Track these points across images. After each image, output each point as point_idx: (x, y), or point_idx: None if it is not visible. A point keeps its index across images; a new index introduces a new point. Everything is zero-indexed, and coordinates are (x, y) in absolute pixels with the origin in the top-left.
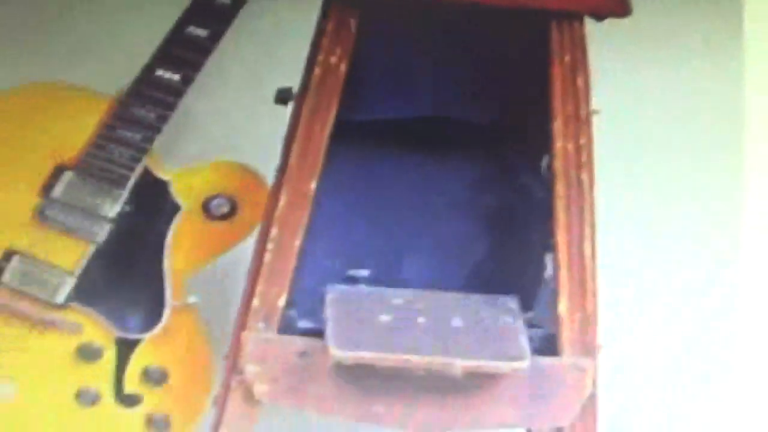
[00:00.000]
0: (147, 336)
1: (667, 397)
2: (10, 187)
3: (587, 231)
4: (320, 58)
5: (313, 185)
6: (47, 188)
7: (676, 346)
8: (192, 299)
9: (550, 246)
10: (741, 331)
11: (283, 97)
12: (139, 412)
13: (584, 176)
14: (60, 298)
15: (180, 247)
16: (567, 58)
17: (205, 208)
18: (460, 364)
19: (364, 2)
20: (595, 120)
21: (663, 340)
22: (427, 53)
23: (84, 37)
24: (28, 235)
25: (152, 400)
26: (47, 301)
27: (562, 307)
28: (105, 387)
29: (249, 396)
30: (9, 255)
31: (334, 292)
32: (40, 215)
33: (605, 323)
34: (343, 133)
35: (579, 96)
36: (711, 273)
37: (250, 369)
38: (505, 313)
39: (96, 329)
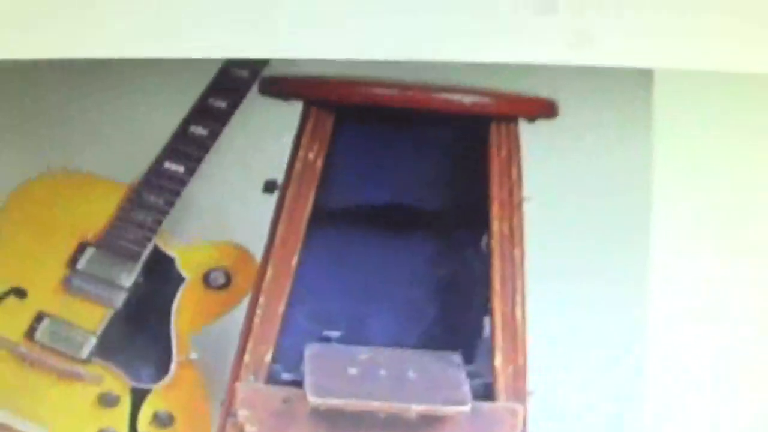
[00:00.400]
0: (157, 386)
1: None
2: (41, 260)
3: (518, 298)
4: (300, 154)
5: (294, 261)
6: (73, 261)
7: (591, 395)
8: (194, 355)
9: (488, 310)
10: (650, 382)
11: (269, 186)
12: None
13: (516, 252)
14: (84, 353)
15: (184, 311)
16: (504, 153)
17: (205, 279)
18: (414, 409)
19: (339, 107)
20: (526, 205)
21: (580, 389)
22: (390, 150)
23: (103, 130)
24: (56, 300)
25: None
26: (73, 356)
27: (497, 360)
28: (122, 429)
29: None
30: (41, 317)
31: (311, 349)
32: (67, 284)
33: (533, 374)
34: (321, 217)
35: (513, 185)
36: (619, 330)
37: (242, 413)
38: (451, 366)
39: (114, 380)
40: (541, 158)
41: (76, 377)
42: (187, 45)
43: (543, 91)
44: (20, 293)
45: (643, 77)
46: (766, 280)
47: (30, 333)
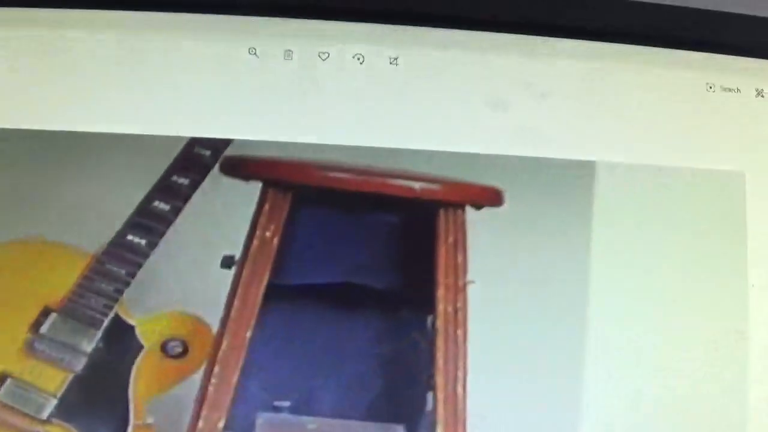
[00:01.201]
0: None
1: None
2: (5, 323)
3: (460, 375)
4: (257, 232)
5: (248, 334)
6: (36, 325)
7: None
8: (150, 420)
9: (431, 386)
10: None
11: (227, 262)
12: None
13: (459, 332)
14: (44, 414)
15: (142, 378)
16: (450, 239)
17: (163, 348)
18: None
19: (295, 189)
20: (470, 288)
21: None
22: (343, 231)
23: (69, 201)
24: (19, 362)
25: None
26: (33, 417)
27: None
28: None
29: None
30: (3, 378)
31: (262, 418)
32: (30, 347)
33: None
34: (275, 293)
35: (458, 269)
36: (553, 413)
37: None
38: None
39: None
40: (486, 244)
41: None
42: (154, 122)
43: (490, 180)
44: None
45: (586, 169)
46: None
47: None
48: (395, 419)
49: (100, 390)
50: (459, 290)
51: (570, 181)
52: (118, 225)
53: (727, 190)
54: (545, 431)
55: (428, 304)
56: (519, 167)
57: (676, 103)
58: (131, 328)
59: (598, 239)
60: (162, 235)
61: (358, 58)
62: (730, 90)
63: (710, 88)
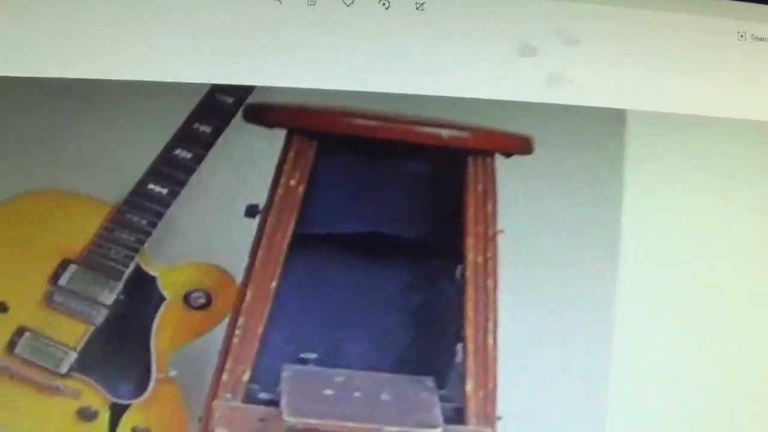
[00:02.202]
0: (136, 402)
1: None
2: (23, 276)
3: (490, 326)
4: (282, 180)
5: (274, 284)
6: (55, 277)
7: (557, 420)
8: (173, 372)
9: (460, 338)
10: (611, 410)
11: (251, 211)
12: None
13: (489, 283)
14: (63, 368)
15: (164, 330)
16: (479, 187)
17: (186, 299)
18: (387, 430)
19: (321, 136)
20: (500, 237)
21: (547, 415)
22: (369, 180)
23: (89, 151)
24: (37, 315)
25: None
26: (52, 371)
27: (469, 386)
28: None
29: None
30: (21, 331)
31: (288, 371)
32: (49, 300)
33: (502, 400)
34: (300, 243)
35: (488, 218)
36: (587, 364)
37: (219, 430)
38: (423, 390)
39: (93, 395)
40: (516, 192)
41: (55, 391)
42: (174, 69)
43: (519, 128)
44: (1, 307)
45: (616, 117)
46: (728, 320)
47: (10, 347)
48: (424, 371)
49: (122, 343)
50: (488, 239)
51: (600, 129)
52: (138, 174)
53: (757, 140)
54: (577, 378)
55: (457, 254)
56: (548, 115)
57: (707, 51)
58: (153, 279)
59: (630, 187)
60: (184, 183)
61: (384, 4)
62: (761, 39)
63: (741, 36)
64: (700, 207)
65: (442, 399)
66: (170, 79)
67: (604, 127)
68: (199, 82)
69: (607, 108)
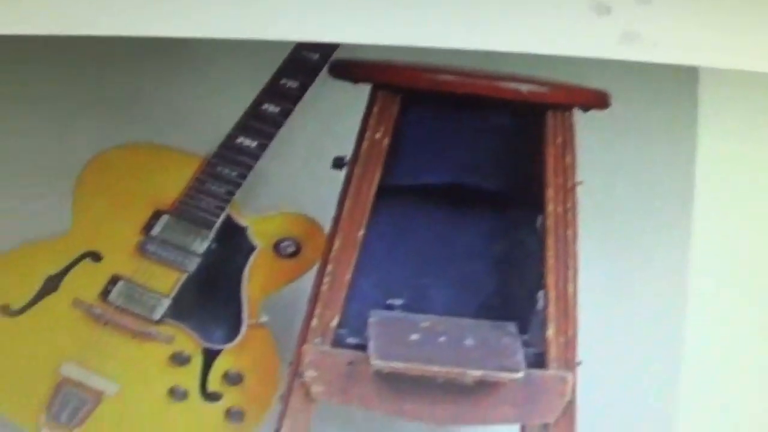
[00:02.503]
0: (228, 347)
1: (636, 398)
2: (117, 226)
3: (570, 274)
4: (368, 134)
5: (360, 233)
6: (148, 227)
7: (636, 364)
8: (264, 319)
9: (541, 285)
10: (687, 354)
11: (338, 163)
12: (219, 407)
13: (569, 232)
14: (157, 315)
15: (255, 278)
16: (559, 140)
17: (276, 248)
18: (470, 374)
19: (405, 91)
20: (579, 188)
21: (628, 358)
22: (452, 133)
23: (181, 106)
24: (131, 264)
25: (231, 397)
26: (146, 318)
27: (550, 331)
28: (192, 386)
29: (307, 394)
30: (115, 280)
31: (375, 316)
32: (142, 249)
33: (583, 345)
34: (386, 193)
35: (567, 170)
36: (662, 311)
37: (309, 374)
38: (506, 336)
39: (186, 340)
40: (593, 146)
41: (148, 337)
42: (262, 27)
43: (596, 84)
44: (95, 257)
45: (690, 74)
46: None
47: (104, 295)
48: (507, 317)
49: (214, 290)
50: (568, 191)
51: (674, 85)
52: (227, 128)
53: None
54: (653, 324)
55: (537, 205)
56: (624, 71)
57: None
58: (244, 228)
59: (703, 140)
60: (272, 137)
61: None
62: None
63: None
64: None
65: (524, 344)
66: (258, 37)
67: (678, 83)
68: (286, 39)
69: (681, 65)
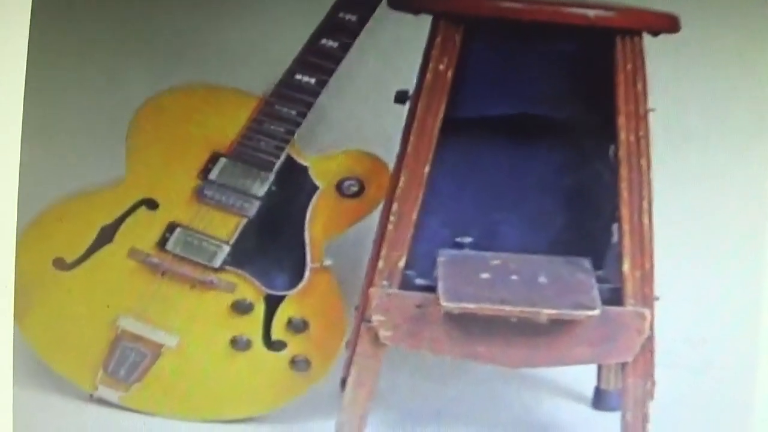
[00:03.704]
0: (291, 293)
1: (716, 333)
2: (173, 171)
3: (645, 206)
4: (431, 65)
5: (426, 169)
6: (205, 172)
7: (715, 298)
8: (328, 262)
9: (616, 218)
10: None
11: (401, 97)
12: (284, 355)
13: (643, 162)
14: (217, 262)
15: (318, 219)
16: (629, 66)
17: (339, 188)
18: (545, 313)
19: (467, 20)
20: (651, 116)
21: (705, 294)
22: (517, 63)
23: (235, 46)
24: (188, 210)
25: (295, 345)
26: (205, 265)
27: (626, 266)
28: (255, 335)
29: (375, 340)
30: (172, 227)
31: (444, 256)
32: (200, 194)
33: (660, 280)
34: (451, 127)
35: (638, 97)
36: (742, 240)
37: (377, 318)
38: (580, 272)
39: (248, 288)
40: (665, 71)
41: (208, 286)
42: None
43: (665, 7)
44: (151, 204)
45: None
46: None
47: (161, 243)
48: (580, 252)
49: (275, 234)
50: (640, 118)
51: (745, 7)
52: (284, 66)
53: None
54: (732, 257)
55: (609, 134)
56: None
57: None
58: (305, 168)
59: None
60: (332, 72)
61: None
62: None
63: None
64: None
65: (599, 280)
66: None
67: (749, 5)
68: None
69: None
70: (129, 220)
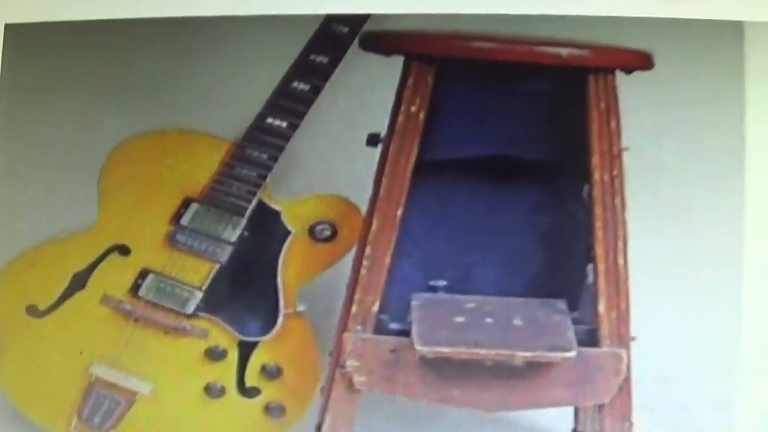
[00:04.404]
0: (264, 339)
1: (693, 373)
2: (145, 216)
3: (620, 245)
4: (403, 107)
5: (399, 212)
6: (177, 217)
7: (692, 336)
8: (301, 307)
9: (590, 258)
10: (745, 325)
11: (373, 140)
12: (258, 402)
13: (617, 201)
14: (190, 308)
15: (290, 265)
16: (602, 105)
17: (311, 232)
18: (520, 355)
19: (439, 61)
20: (625, 153)
21: (682, 333)
22: (490, 103)
23: (207, 89)
24: (161, 256)
25: (270, 392)
26: (178, 312)
27: (601, 307)
28: (229, 382)
29: (350, 385)
30: (145, 273)
31: (418, 299)
32: (172, 240)
33: (636, 319)
34: (424, 169)
35: (612, 136)
36: (718, 278)
37: (351, 363)
38: (555, 313)
39: (221, 334)
40: (638, 109)
41: (182, 332)
42: (288, 2)
43: (638, 44)
44: (123, 250)
45: (734, 29)
46: None
47: (134, 289)
48: (556, 293)
49: (248, 279)
50: (614, 157)
51: (719, 42)
52: (256, 109)
53: None
54: (710, 294)
55: (583, 173)
56: (667, 30)
57: None
58: (277, 213)
59: (752, 98)
60: (303, 116)
61: None
62: None
63: None
64: None
65: (575, 321)
66: (284, 12)
67: (723, 39)
68: (313, 13)
69: (725, 20)
70: (101, 266)
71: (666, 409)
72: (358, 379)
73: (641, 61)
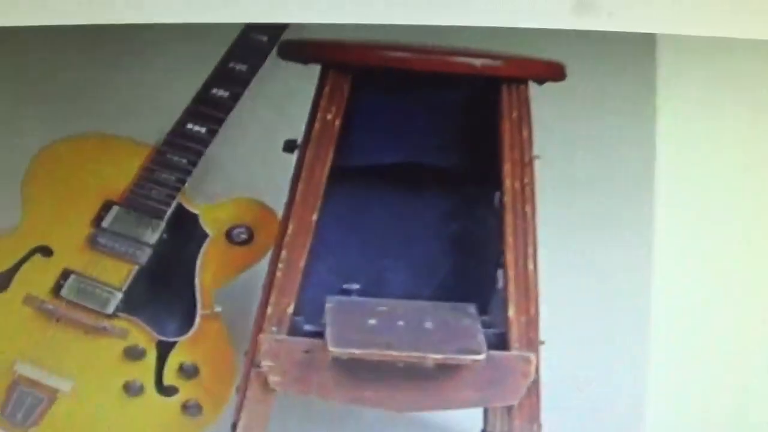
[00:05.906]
0: (182, 339)
1: (603, 377)
2: (66, 219)
3: (530, 251)
4: (319, 114)
5: (314, 217)
6: (98, 219)
7: (602, 340)
8: (218, 309)
9: (501, 264)
10: (653, 329)
11: (290, 146)
12: (176, 400)
13: (528, 208)
14: (110, 309)
15: (208, 267)
16: (514, 115)
17: (228, 236)
18: (431, 357)
19: (355, 70)
20: (538, 163)
21: (591, 338)
22: (405, 111)
23: (128, 95)
24: (82, 258)
25: (187, 391)
26: (99, 312)
27: (511, 311)
28: (147, 380)
29: (265, 385)
30: (67, 274)
31: (332, 302)
32: (93, 242)
33: (547, 324)
34: (339, 175)
35: (524, 145)
36: (627, 285)
37: (266, 363)
38: (466, 317)
39: (140, 334)
40: (550, 119)
41: (102, 332)
42: (208, 10)
43: (551, 56)
44: (46, 251)
45: (647, 42)
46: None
47: (56, 290)
48: (466, 298)
49: (166, 281)
50: (525, 165)
51: (632, 54)
52: (176, 115)
53: None
54: (618, 299)
55: (494, 181)
56: (580, 42)
57: None
58: (195, 216)
59: (663, 110)
60: (222, 122)
61: None
62: None
63: None
64: (733, 127)
65: (485, 325)
66: (204, 20)
67: (636, 51)
68: (232, 21)
69: (638, 33)
70: (24, 267)
71: (575, 412)
72: (272, 379)
73: (554, 72)
